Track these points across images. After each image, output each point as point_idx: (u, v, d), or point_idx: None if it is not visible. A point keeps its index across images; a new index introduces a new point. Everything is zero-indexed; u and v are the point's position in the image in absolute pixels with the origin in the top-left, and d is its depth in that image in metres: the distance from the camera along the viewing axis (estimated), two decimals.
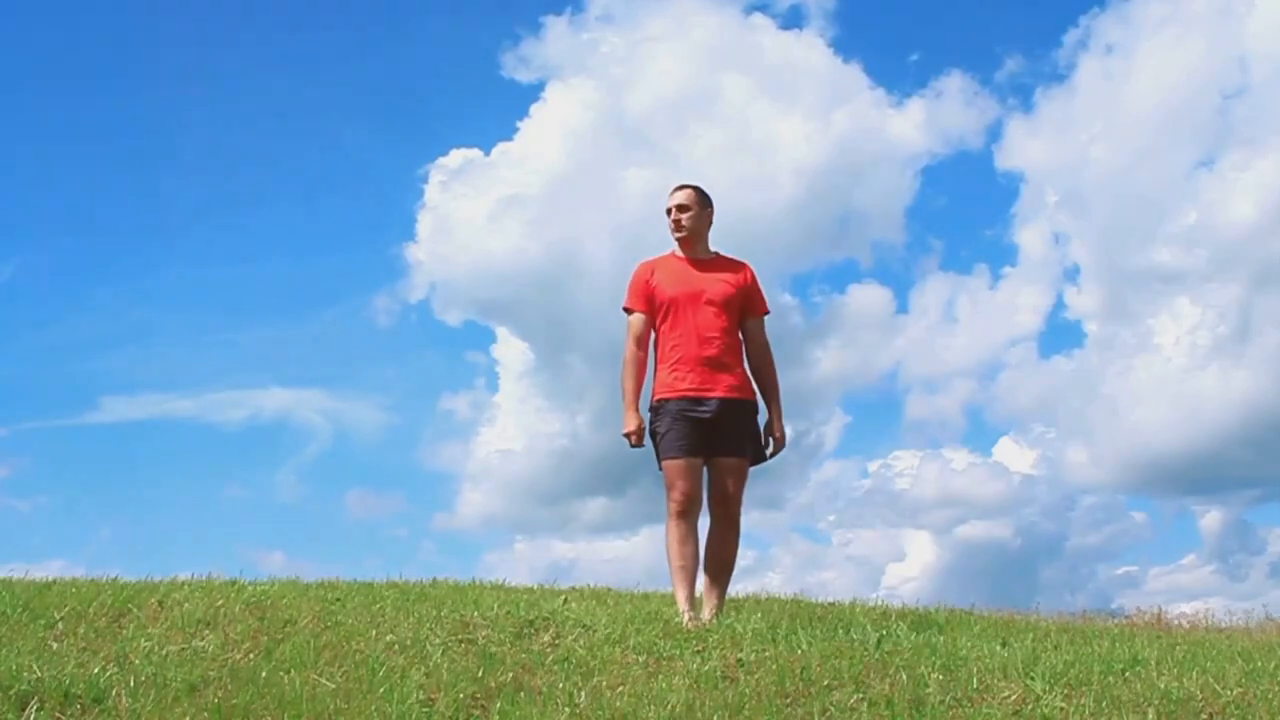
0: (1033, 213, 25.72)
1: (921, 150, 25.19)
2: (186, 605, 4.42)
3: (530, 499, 23.28)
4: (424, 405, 27.77)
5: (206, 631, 3.95)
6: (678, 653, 3.79)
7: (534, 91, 27.58)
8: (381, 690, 3.11)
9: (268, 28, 27.19)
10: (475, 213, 24.02)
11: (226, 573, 5.89)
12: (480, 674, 3.34)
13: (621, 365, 4.93)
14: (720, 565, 4.83)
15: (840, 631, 4.45)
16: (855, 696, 3.24)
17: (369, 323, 25.77)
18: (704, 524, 4.85)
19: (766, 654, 3.76)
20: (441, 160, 25.42)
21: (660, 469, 4.82)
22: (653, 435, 4.84)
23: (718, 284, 4.91)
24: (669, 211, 4.98)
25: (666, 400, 4.81)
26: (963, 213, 27.68)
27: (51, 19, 25.49)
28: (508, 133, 28.76)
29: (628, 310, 4.98)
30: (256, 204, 27.25)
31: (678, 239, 4.99)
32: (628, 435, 4.84)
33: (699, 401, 4.78)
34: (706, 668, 3.54)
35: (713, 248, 5.05)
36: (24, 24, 25.27)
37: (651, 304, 4.92)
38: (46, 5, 25.65)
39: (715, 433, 4.78)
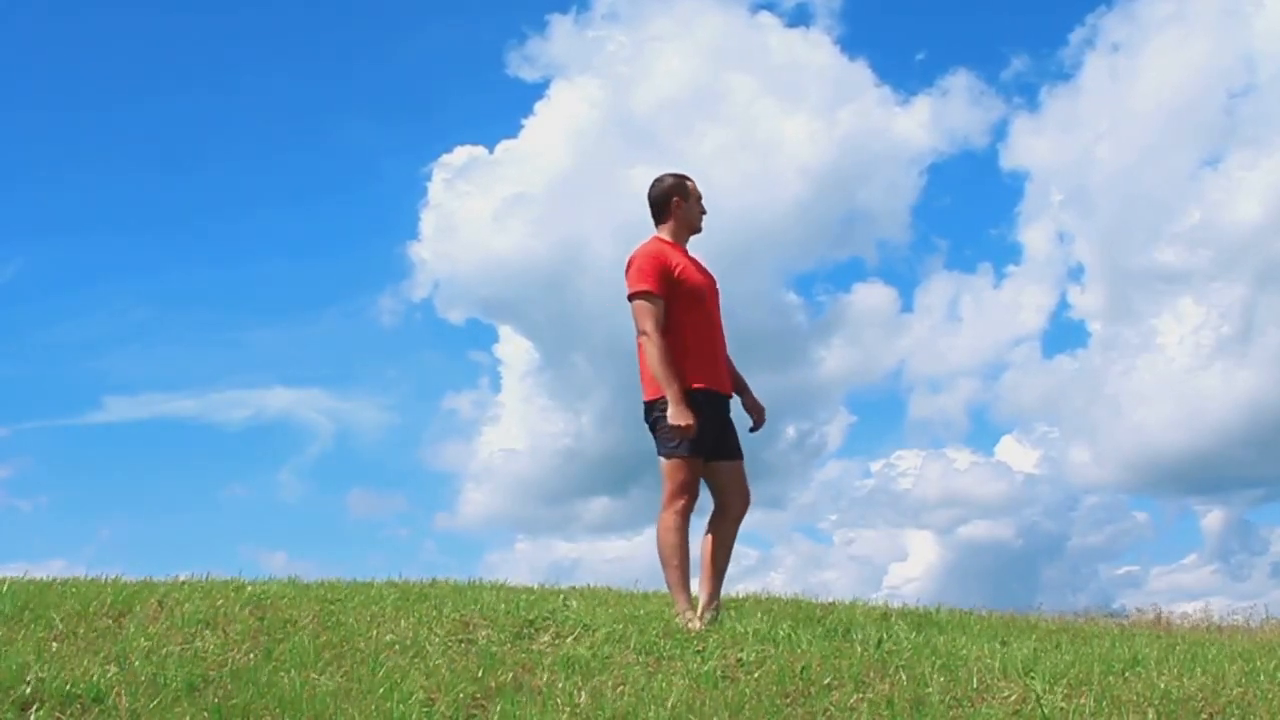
0: (1037, 212, 25.82)
1: (927, 149, 25.28)
2: (186, 605, 4.42)
3: (533, 499, 23.32)
4: (427, 405, 27.86)
5: (206, 631, 3.95)
6: (678, 653, 3.79)
7: (539, 90, 27.69)
8: (381, 690, 3.11)
9: (271, 26, 27.27)
10: (479, 211, 24.06)
11: (228, 573, 5.89)
12: (480, 674, 3.34)
13: (652, 353, 4.50)
14: (726, 564, 4.71)
15: (840, 631, 4.45)
16: (855, 696, 3.24)
17: (372, 322, 25.85)
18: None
19: (766, 654, 3.76)
20: (446, 158, 25.51)
21: (668, 459, 4.54)
22: (664, 428, 4.51)
23: (713, 279, 4.86)
24: (700, 198, 4.82)
25: (696, 391, 4.54)
26: (968, 212, 27.79)
27: (55, 20, 25.52)
28: (512, 130, 28.78)
29: (648, 294, 4.56)
30: (259, 203, 27.36)
31: (698, 229, 4.82)
32: (686, 429, 4.42)
33: (724, 397, 4.69)
34: (706, 668, 3.53)
35: None
36: (28, 25, 25.30)
37: (671, 290, 4.60)
38: (50, 7, 25.69)
39: (724, 431, 4.69)
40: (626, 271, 4.68)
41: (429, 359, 27.37)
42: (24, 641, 3.63)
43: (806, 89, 24.96)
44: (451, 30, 28.19)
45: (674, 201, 4.79)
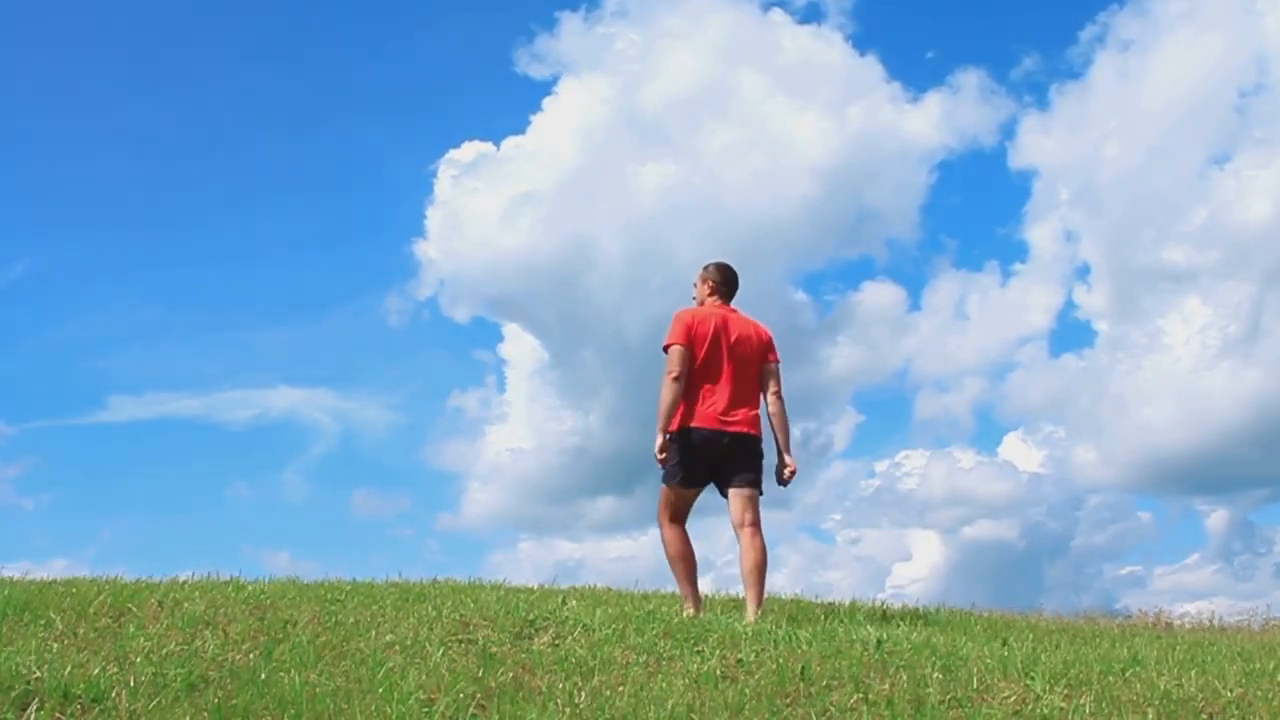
0: (1045, 210, 25.73)
1: (937, 146, 25.19)
2: (186, 605, 4.42)
3: (537, 498, 23.29)
4: (432, 404, 27.84)
5: (206, 631, 3.95)
6: (677, 653, 3.79)
7: (547, 87, 27.65)
8: (381, 690, 3.11)
9: (278, 23, 27.25)
10: (487, 208, 23.99)
11: (231, 573, 5.88)
12: (480, 674, 3.34)
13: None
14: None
15: (840, 631, 4.45)
16: (855, 696, 3.24)
17: (378, 321, 25.84)
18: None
19: (766, 654, 3.76)
20: (453, 154, 25.37)
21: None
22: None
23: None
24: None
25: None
26: (975, 210, 27.74)
27: (59, 19, 25.53)
28: (520, 127, 28.72)
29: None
30: (265, 201, 27.33)
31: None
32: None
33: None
34: (706, 668, 3.54)
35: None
36: (32, 24, 25.31)
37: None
38: (53, 5, 25.70)
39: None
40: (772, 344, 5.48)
41: (434, 358, 27.37)
42: (24, 641, 3.63)
43: (817, 86, 24.84)
44: (460, 27, 28.17)
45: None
